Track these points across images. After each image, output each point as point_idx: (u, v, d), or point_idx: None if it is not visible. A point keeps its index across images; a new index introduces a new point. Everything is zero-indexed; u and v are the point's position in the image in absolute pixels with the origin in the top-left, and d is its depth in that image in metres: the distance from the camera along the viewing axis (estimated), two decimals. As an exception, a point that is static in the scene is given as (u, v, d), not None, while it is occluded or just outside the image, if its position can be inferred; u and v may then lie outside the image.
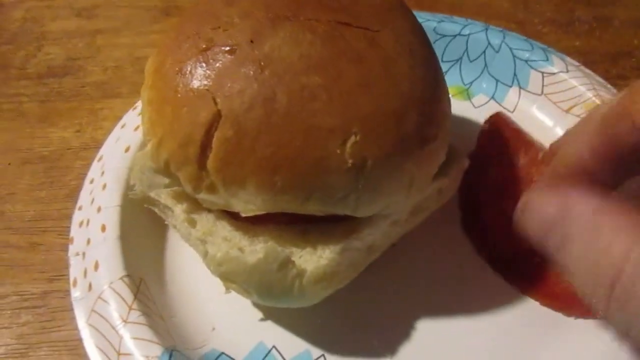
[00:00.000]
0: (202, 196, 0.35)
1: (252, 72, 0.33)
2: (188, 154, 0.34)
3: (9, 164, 0.53)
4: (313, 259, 0.35)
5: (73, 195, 0.50)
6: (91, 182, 0.46)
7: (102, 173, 0.45)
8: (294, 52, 0.33)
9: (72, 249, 0.42)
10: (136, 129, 0.48)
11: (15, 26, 0.67)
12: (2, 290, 0.45)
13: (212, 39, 0.34)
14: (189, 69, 0.34)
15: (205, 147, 0.33)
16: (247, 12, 0.35)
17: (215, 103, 0.33)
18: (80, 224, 0.43)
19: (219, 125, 0.32)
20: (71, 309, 0.39)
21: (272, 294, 0.35)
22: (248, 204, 0.34)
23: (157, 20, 0.67)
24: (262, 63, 0.33)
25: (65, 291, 0.43)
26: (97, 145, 0.53)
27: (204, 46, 0.34)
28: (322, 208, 0.33)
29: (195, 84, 0.33)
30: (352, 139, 0.32)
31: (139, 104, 0.51)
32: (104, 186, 0.44)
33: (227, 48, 0.34)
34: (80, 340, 0.37)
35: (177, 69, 0.35)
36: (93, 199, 0.44)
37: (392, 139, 0.33)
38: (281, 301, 0.36)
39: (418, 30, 0.38)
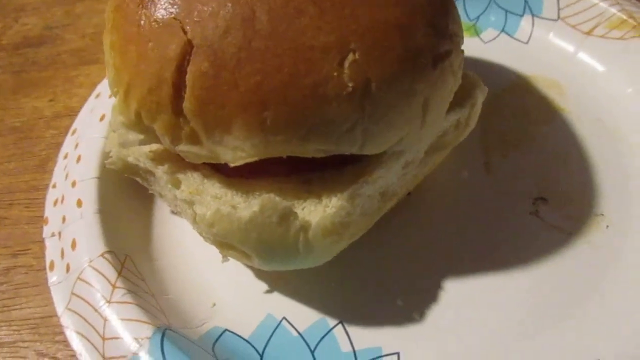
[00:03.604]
0: (183, 148, 0.30)
1: (224, -9, 0.27)
2: (160, 98, 0.28)
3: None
4: (318, 210, 0.30)
5: (43, 165, 0.46)
6: (65, 157, 0.41)
7: (77, 145, 0.40)
8: (272, -38, 0.28)
9: (46, 229, 0.37)
10: (111, 96, 0.43)
11: (-9, -2, 0.63)
12: (-38, 267, 0.41)
13: (174, -39, 0.29)
14: (151, -2, 0.29)
15: (178, 86, 0.28)
16: None
17: (185, 32, 0.27)
18: (55, 202, 0.38)
19: (191, 57, 0.27)
20: (35, 286, 0.36)
21: (274, 253, 0.30)
22: (236, 152, 0.28)
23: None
24: (236, -22, 0.28)
25: (30, 266, 0.40)
26: (71, 113, 0.50)
27: (166, -30, 0.29)
28: (324, 147, 0.28)
29: (160, 13, 0.28)
30: (351, 56, 0.27)
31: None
32: (79, 158, 0.39)
33: (193, -32, 0.28)
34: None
35: (138, 1, 0.29)
36: (67, 174, 0.39)
37: (398, 54, 0.28)
38: (286, 262, 0.31)
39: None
